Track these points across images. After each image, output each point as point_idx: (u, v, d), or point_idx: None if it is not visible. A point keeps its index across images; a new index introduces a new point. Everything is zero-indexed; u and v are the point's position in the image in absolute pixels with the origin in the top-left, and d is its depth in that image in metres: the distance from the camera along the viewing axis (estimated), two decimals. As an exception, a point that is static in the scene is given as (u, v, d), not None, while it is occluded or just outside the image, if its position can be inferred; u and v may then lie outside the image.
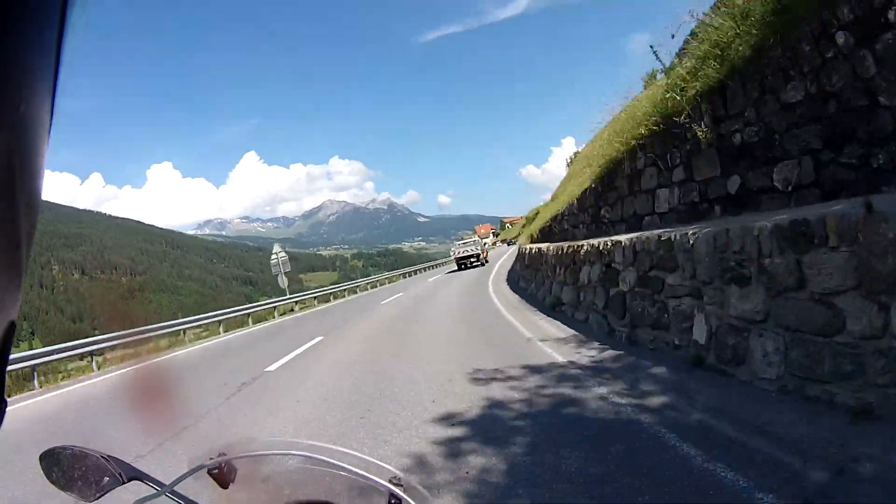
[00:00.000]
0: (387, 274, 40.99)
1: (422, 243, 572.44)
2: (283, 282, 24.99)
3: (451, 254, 35.06)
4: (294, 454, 0.95)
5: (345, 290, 29.31)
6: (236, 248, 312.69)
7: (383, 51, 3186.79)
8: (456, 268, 32.62)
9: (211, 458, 0.92)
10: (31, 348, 12.96)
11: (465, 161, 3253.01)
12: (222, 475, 0.92)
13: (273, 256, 25.81)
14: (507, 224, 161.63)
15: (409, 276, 41.72)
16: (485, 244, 36.02)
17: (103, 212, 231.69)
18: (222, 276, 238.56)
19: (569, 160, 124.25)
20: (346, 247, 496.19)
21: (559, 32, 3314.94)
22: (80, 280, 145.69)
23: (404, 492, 0.85)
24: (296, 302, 24.19)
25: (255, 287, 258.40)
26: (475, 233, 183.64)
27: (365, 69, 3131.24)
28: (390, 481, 0.85)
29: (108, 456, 0.91)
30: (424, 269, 48.00)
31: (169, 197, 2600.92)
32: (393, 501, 0.85)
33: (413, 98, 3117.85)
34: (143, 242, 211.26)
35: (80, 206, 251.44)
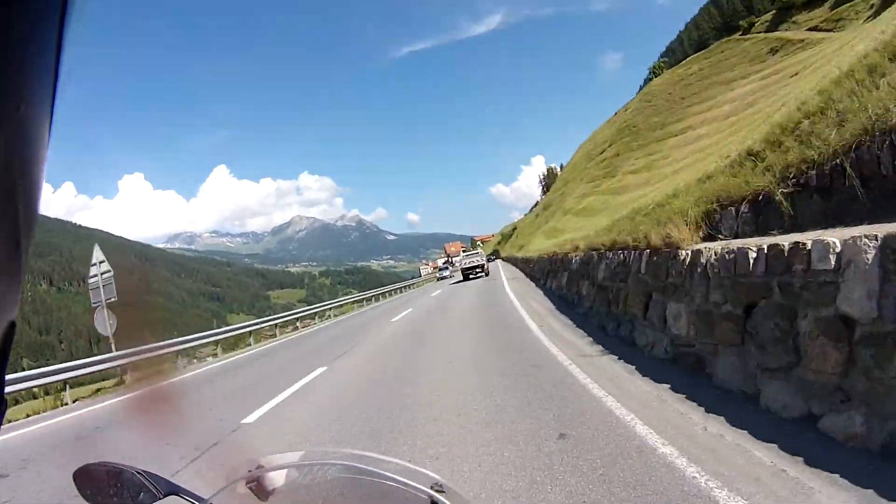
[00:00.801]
0: (326, 303, 26.50)
1: (390, 261, 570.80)
2: (106, 323, 12.89)
3: (458, 264, 37.79)
4: (333, 463, 0.94)
5: (247, 331, 17.54)
6: (205, 263, 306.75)
7: (354, 66, 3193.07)
8: (439, 289, 29.65)
9: (249, 471, 0.92)
10: None
11: (435, 179, 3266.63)
12: (260, 487, 0.91)
13: (92, 272, 13.89)
14: (479, 242, 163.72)
15: (368, 303, 30.20)
16: (487, 257, 37.93)
17: (74, 221, 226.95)
18: (189, 291, 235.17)
19: (542, 176, 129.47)
20: (315, 264, 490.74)
21: (531, 50, 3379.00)
22: (48, 291, 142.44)
23: (446, 497, 0.82)
24: (105, 370, 11.83)
25: (223, 303, 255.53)
26: (445, 251, 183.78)
27: (336, 84, 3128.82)
28: (432, 487, 0.83)
29: (143, 471, 0.91)
30: (390, 292, 36.58)
31: (140, 209, 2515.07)
32: None
33: (384, 114, 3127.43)
34: (112, 254, 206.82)
35: (52, 215, 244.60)
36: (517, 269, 30.08)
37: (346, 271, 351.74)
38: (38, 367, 11.48)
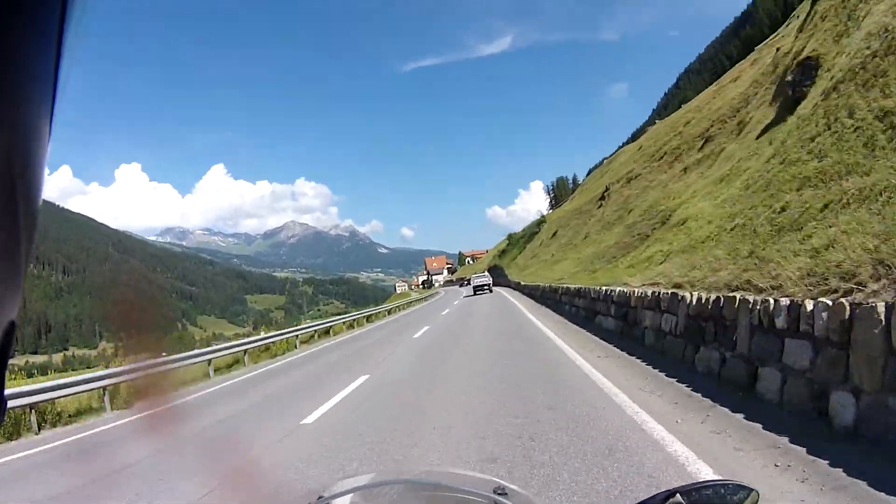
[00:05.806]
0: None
1: (380, 274, 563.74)
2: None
3: (470, 282, 48.29)
4: (393, 484, 0.92)
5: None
6: (187, 260, 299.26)
7: (362, 75, 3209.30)
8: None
9: (310, 503, 0.91)
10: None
11: (432, 195, 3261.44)
12: None
13: None
14: (468, 259, 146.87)
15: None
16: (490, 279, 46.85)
17: (57, 204, 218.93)
18: (161, 288, 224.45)
19: (550, 187, 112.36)
20: (304, 270, 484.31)
21: (537, 76, 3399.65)
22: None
23: (508, 499, 0.81)
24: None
25: (195, 304, 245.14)
26: (425, 266, 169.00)
27: (340, 93, 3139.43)
28: (494, 491, 0.83)
29: None
30: (358, 319, 23.89)
31: (135, 199, 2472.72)
32: None
33: (385, 128, 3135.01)
34: (88, 241, 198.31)
35: (44, 196, 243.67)
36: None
37: (331, 281, 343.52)
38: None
